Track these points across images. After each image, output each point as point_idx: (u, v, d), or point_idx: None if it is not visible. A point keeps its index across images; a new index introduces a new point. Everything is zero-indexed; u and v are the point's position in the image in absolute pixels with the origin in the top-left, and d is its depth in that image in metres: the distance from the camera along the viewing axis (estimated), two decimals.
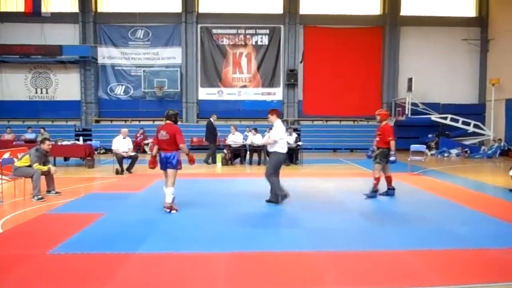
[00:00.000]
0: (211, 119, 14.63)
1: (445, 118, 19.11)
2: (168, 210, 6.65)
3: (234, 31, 20.60)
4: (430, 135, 19.56)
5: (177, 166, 6.70)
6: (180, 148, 6.67)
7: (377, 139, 7.96)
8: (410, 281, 3.91)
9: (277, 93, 20.92)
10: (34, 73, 20.50)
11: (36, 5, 19.46)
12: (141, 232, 5.50)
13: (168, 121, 6.90)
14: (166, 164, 6.70)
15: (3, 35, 20.05)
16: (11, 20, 20.03)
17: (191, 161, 7.16)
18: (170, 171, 6.71)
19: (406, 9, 20.77)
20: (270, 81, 20.85)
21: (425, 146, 13.55)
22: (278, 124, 7.36)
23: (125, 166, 11.63)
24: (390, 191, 8.12)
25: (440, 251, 4.71)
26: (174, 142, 6.61)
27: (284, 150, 7.36)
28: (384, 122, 7.99)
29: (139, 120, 20.33)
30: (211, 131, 14.48)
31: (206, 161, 14.19)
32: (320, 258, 4.50)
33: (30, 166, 7.83)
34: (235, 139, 14.30)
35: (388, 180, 8.17)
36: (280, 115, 7.35)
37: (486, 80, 20.38)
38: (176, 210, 6.71)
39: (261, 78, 20.85)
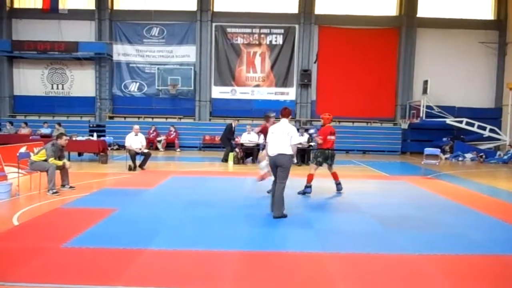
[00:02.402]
0: (232, 123, 14.65)
1: (461, 122, 18.84)
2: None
3: (248, 30, 20.61)
4: (444, 139, 19.31)
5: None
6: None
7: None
8: (421, 285, 3.87)
9: (290, 93, 20.87)
10: (50, 69, 20.82)
11: (54, 2, 19.80)
12: (152, 228, 5.54)
13: (270, 121, 7.87)
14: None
15: (21, 32, 20.42)
16: (28, 17, 20.37)
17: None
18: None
19: (423, 10, 20.51)
20: (284, 81, 20.81)
21: (439, 150, 13.38)
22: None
23: (138, 162, 11.73)
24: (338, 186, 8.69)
25: (452, 256, 4.66)
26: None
27: (269, 152, 6.54)
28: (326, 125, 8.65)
29: (152, 117, 20.49)
30: (227, 134, 14.52)
31: (224, 160, 14.29)
32: (330, 259, 4.48)
33: (46, 160, 7.95)
34: (250, 138, 14.34)
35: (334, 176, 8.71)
36: (285, 114, 6.66)
37: (503, 84, 20.02)
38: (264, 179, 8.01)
39: (274, 77, 20.82)
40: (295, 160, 6.82)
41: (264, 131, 8.46)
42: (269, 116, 8.10)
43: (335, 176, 8.71)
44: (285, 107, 6.79)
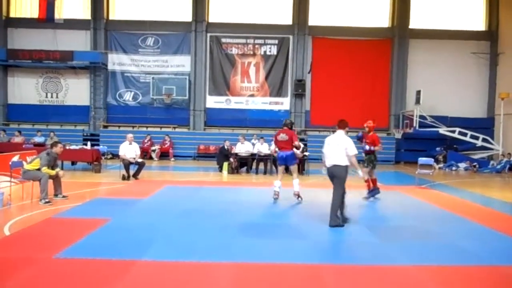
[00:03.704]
0: (225, 145, 14.56)
1: (453, 132, 18.98)
2: (297, 197, 8.48)
3: (243, 40, 20.73)
4: (438, 148, 19.44)
5: (295, 161, 8.69)
6: (294, 145, 8.51)
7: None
8: None
9: (284, 103, 20.95)
10: (45, 77, 20.76)
11: (50, 11, 19.82)
12: (146, 238, 5.49)
13: (284, 127, 8.61)
14: (285, 161, 8.57)
15: (16, 40, 20.40)
16: (24, 26, 20.37)
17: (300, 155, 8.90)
18: (292, 167, 8.63)
19: (415, 22, 20.78)
20: (278, 91, 20.90)
21: (433, 160, 13.44)
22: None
23: (131, 172, 11.67)
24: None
25: (447, 266, 4.65)
26: (291, 143, 8.44)
27: (327, 163, 6.70)
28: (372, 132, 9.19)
29: (147, 127, 20.45)
30: (223, 155, 14.38)
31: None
32: (326, 271, 4.47)
33: (39, 169, 7.88)
34: (243, 148, 14.31)
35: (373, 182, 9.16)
36: (342, 126, 6.89)
37: (496, 94, 20.25)
38: (302, 198, 8.45)
39: (269, 87, 20.91)
40: (360, 173, 7.00)
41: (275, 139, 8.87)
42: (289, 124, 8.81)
43: (374, 182, 9.17)
44: (342, 119, 6.93)
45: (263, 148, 14.32)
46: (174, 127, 20.74)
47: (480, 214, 7.80)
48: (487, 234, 6.24)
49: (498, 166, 17.49)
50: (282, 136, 8.51)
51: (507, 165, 17.46)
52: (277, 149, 8.99)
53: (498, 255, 5.13)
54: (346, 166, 6.51)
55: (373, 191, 9.08)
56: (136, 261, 4.54)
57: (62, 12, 20.15)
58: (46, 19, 19.89)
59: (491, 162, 18.44)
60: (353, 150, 6.52)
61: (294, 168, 8.67)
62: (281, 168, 8.91)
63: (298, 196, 8.53)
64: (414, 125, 18.84)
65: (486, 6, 20.97)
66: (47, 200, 7.68)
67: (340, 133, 6.75)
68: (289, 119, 9.27)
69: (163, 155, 19.00)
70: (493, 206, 8.91)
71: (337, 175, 6.50)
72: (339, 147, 6.50)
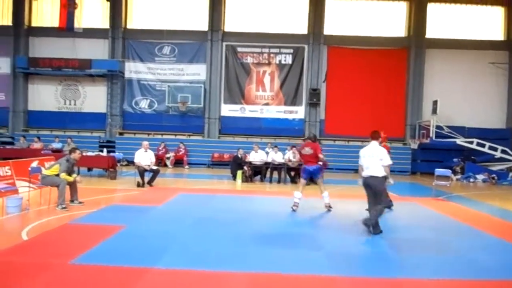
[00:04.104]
0: (238, 153, 14.64)
1: (471, 142, 18.66)
2: (328, 209, 8.58)
3: (258, 49, 20.85)
4: (455, 159, 19.11)
5: (320, 175, 8.76)
6: (320, 158, 8.55)
7: None
8: None
9: (299, 112, 20.93)
10: (64, 85, 21.19)
11: (70, 20, 20.31)
12: (160, 246, 5.52)
13: (308, 140, 8.81)
14: (310, 174, 8.64)
15: (37, 49, 20.93)
16: (45, 35, 20.90)
17: (325, 166, 9.07)
18: (318, 180, 8.75)
19: (432, 31, 20.61)
20: (293, 100, 20.91)
21: (450, 171, 13.20)
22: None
23: (146, 179, 11.76)
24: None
25: (464, 281, 4.55)
26: (316, 156, 8.46)
27: (363, 174, 6.81)
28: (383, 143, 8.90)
29: (162, 134, 20.64)
30: (236, 164, 14.43)
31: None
32: (340, 283, 4.41)
33: (58, 175, 8.01)
34: (257, 157, 14.30)
35: None
36: (375, 137, 6.94)
37: None
38: (332, 208, 8.58)
39: (283, 96, 20.94)
40: (391, 181, 6.94)
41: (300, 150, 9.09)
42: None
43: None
44: (375, 130, 7.02)
45: (277, 156, 14.30)
46: (189, 135, 20.88)
47: (499, 227, 7.61)
48: (506, 249, 6.07)
49: None
50: (307, 150, 8.58)
51: None
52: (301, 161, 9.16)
53: None
54: (383, 177, 6.63)
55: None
56: (150, 269, 4.56)
57: (81, 21, 20.63)
58: (66, 28, 20.37)
59: (510, 174, 18.02)
60: (387, 160, 6.68)
61: (320, 181, 8.74)
62: (304, 182, 8.83)
63: (329, 207, 8.66)
64: (431, 135, 18.58)
65: (504, 15, 20.70)
66: (64, 206, 7.78)
67: (374, 144, 6.84)
68: (312, 132, 9.52)
69: (178, 162, 19.13)
70: None
71: (374, 186, 6.61)
72: (374, 158, 6.61)
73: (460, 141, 18.70)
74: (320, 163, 8.80)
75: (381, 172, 6.57)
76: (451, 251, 5.81)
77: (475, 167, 18.45)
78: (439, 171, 12.29)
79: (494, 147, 18.61)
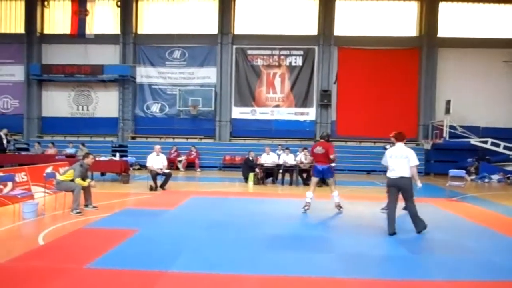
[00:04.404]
0: (249, 156, 14.67)
1: (486, 142, 18.38)
2: (338, 209, 8.56)
3: (268, 52, 20.88)
4: (469, 160, 18.84)
5: (332, 175, 8.72)
6: (331, 158, 8.54)
7: None
8: None
9: (310, 113, 20.88)
10: (76, 91, 21.50)
11: (81, 27, 20.66)
12: (173, 249, 5.55)
13: (321, 140, 8.78)
14: (322, 174, 8.63)
15: (50, 56, 21.28)
16: (57, 42, 21.25)
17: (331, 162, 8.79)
18: (329, 180, 8.78)
19: (444, 30, 20.38)
20: (303, 101, 20.86)
21: (464, 171, 13.02)
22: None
23: (159, 182, 11.84)
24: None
25: (480, 282, 4.49)
26: (327, 156, 8.46)
27: (389, 175, 6.82)
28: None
29: (173, 138, 20.77)
30: (248, 167, 14.44)
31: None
32: (353, 285, 4.39)
33: (72, 180, 8.11)
34: (269, 159, 14.30)
35: None
36: (400, 138, 6.98)
37: None
38: (342, 208, 8.58)
39: (294, 98, 20.91)
40: (419, 184, 6.88)
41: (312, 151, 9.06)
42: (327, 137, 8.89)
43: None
44: (400, 131, 7.05)
45: (289, 158, 14.28)
46: (200, 138, 20.98)
47: None
48: None
49: None
50: (319, 149, 8.58)
51: None
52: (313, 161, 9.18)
53: None
54: (410, 177, 6.69)
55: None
56: (164, 273, 4.59)
57: (92, 27, 20.93)
58: (78, 34, 20.73)
59: None
60: (415, 161, 6.73)
61: (331, 181, 8.75)
62: (315, 180, 8.82)
63: (339, 207, 8.63)
64: (444, 135, 18.36)
65: None
66: (78, 210, 7.88)
67: (401, 145, 6.89)
68: (325, 132, 9.42)
69: (189, 165, 19.22)
70: None
71: (403, 187, 6.68)
72: (403, 159, 6.66)
73: (474, 141, 18.44)
74: (333, 164, 8.80)
75: (409, 173, 6.65)
76: (467, 252, 5.74)
77: (489, 167, 18.16)
78: (453, 171, 12.12)
79: (509, 147, 18.30)
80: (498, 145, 18.26)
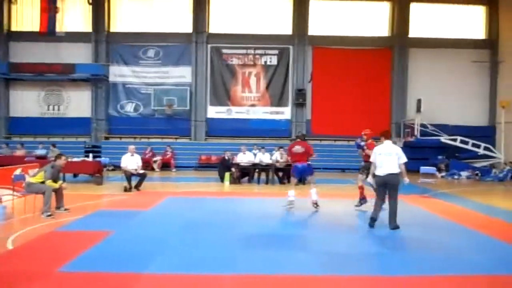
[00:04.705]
0: (225, 155, 14.58)
1: (455, 140, 18.99)
2: (315, 206, 8.51)
3: (243, 51, 20.89)
4: (440, 157, 19.40)
5: (312, 172, 8.82)
6: (311, 155, 8.78)
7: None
8: None
9: (285, 112, 21.03)
10: (47, 90, 20.90)
11: (51, 25, 19.99)
12: (149, 251, 5.47)
13: (298, 139, 8.93)
14: (302, 172, 8.79)
15: (18, 54, 20.60)
16: (26, 40, 20.58)
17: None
18: (310, 178, 8.90)
19: (415, 31, 20.93)
20: (279, 101, 20.99)
21: (435, 168, 13.41)
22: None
23: (133, 183, 11.66)
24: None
25: (451, 276, 4.62)
26: (307, 155, 8.65)
27: (378, 172, 6.98)
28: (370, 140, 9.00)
29: (148, 138, 20.49)
30: (224, 166, 14.36)
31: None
32: (329, 282, 4.44)
33: (43, 182, 7.88)
34: (245, 158, 14.30)
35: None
36: (388, 136, 7.41)
37: (496, 102, 20.30)
38: (319, 206, 8.52)
39: (269, 97, 21.00)
40: (407, 180, 7.03)
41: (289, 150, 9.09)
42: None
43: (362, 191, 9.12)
44: (386, 130, 7.42)
45: (265, 157, 14.33)
46: (176, 138, 20.78)
47: (483, 223, 7.76)
48: (490, 244, 6.19)
49: (501, 175, 17.43)
50: (297, 148, 8.66)
51: (509, 173, 17.40)
52: (289, 159, 9.30)
53: (501, 264, 5.10)
54: (400, 174, 6.86)
55: (362, 200, 9.03)
56: (140, 274, 4.52)
57: (63, 25, 20.31)
58: (48, 32, 20.05)
59: (493, 170, 18.37)
60: (404, 158, 6.92)
61: (312, 178, 8.90)
62: (295, 181, 8.96)
63: (316, 204, 8.63)
64: (415, 133, 18.85)
65: (486, 14, 21.16)
66: (49, 213, 7.65)
67: (389, 142, 7.11)
68: (301, 132, 9.75)
69: (165, 166, 19.00)
70: (497, 215, 8.85)
71: (392, 183, 6.82)
72: (392, 156, 6.83)
73: (444, 138, 19.02)
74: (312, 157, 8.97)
75: (398, 169, 6.81)
76: (438, 248, 5.89)
77: (459, 164, 18.77)
78: (424, 168, 12.50)
79: (477, 144, 18.99)
80: (466, 143, 18.91)
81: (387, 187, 6.88)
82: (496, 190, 14.18)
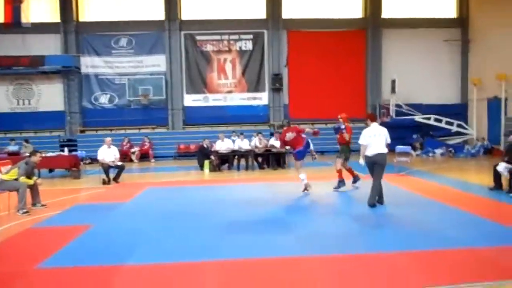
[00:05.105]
0: (203, 143, 14.48)
1: (429, 119, 19.40)
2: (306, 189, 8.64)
3: (217, 37, 20.63)
4: (414, 136, 19.82)
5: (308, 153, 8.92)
6: (307, 132, 8.95)
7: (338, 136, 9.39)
8: (400, 282, 3.96)
9: (263, 98, 20.98)
10: (16, 84, 20.17)
11: (16, 15, 19.18)
12: (130, 242, 5.44)
13: (285, 127, 8.91)
14: (303, 155, 8.79)
15: None
16: None
17: (316, 133, 9.44)
18: (297, 162, 8.81)
19: (388, 11, 21.06)
20: (256, 86, 20.90)
21: (410, 147, 13.71)
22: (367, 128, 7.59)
23: (112, 176, 11.50)
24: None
25: (428, 251, 4.76)
26: (301, 138, 8.65)
27: (367, 153, 7.33)
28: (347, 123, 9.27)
29: (125, 129, 20.14)
30: (202, 154, 14.27)
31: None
32: (311, 262, 4.52)
33: (17, 179, 7.69)
34: (224, 146, 14.26)
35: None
36: (374, 118, 8.03)
37: (468, 80, 20.77)
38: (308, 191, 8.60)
39: (246, 83, 20.90)
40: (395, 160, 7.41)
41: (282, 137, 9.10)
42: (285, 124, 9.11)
43: (351, 172, 9.39)
44: (372, 112, 7.83)
45: (244, 144, 14.33)
46: (153, 128, 20.51)
47: (458, 198, 8.01)
48: (465, 218, 6.42)
49: (473, 151, 18.01)
50: (290, 135, 8.73)
51: (481, 149, 18.01)
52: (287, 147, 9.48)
53: (477, 238, 5.29)
54: (387, 153, 7.31)
55: (341, 182, 9.18)
56: (122, 266, 4.49)
57: (29, 16, 19.52)
58: (13, 23, 19.25)
59: (466, 146, 18.94)
60: (389, 139, 7.42)
61: (298, 163, 8.94)
62: (300, 163, 8.87)
63: (306, 189, 8.78)
64: (391, 114, 19.16)
65: None
66: (25, 210, 7.49)
67: (376, 124, 7.52)
68: (285, 119, 9.72)
69: (143, 156, 18.78)
70: (471, 190, 9.15)
71: (381, 162, 7.27)
72: (381, 137, 7.27)
73: (418, 117, 19.40)
74: (309, 130, 9.23)
75: (385, 149, 7.27)
76: (416, 224, 6.06)
77: (433, 142, 19.25)
78: (399, 148, 12.74)
79: (450, 122, 19.47)
80: (440, 121, 19.36)
81: (375, 166, 7.28)
82: (469, 166, 14.63)
